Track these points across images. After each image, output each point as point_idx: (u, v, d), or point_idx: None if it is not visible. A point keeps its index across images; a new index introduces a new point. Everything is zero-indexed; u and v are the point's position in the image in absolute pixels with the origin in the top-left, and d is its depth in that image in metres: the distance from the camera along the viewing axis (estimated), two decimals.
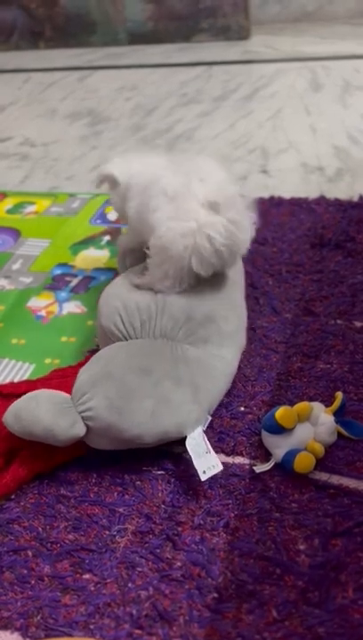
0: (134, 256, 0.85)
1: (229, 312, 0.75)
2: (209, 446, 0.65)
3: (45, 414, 0.63)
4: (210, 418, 0.69)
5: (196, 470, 0.64)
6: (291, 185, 1.23)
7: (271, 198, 1.16)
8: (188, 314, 0.71)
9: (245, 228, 0.68)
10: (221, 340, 0.73)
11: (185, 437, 0.67)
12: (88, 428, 0.65)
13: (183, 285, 0.72)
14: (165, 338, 0.71)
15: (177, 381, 0.67)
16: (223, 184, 0.70)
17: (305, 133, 1.44)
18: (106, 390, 0.65)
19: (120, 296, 0.74)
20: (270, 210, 1.12)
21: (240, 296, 0.81)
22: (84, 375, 0.67)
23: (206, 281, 0.72)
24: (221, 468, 0.64)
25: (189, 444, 0.65)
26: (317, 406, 0.68)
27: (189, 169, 0.73)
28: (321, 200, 1.14)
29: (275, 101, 1.63)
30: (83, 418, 0.64)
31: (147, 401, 0.65)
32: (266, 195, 1.17)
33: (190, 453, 0.65)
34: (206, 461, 0.64)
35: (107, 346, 0.74)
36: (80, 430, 0.64)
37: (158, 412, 0.65)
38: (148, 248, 0.74)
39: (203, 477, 0.63)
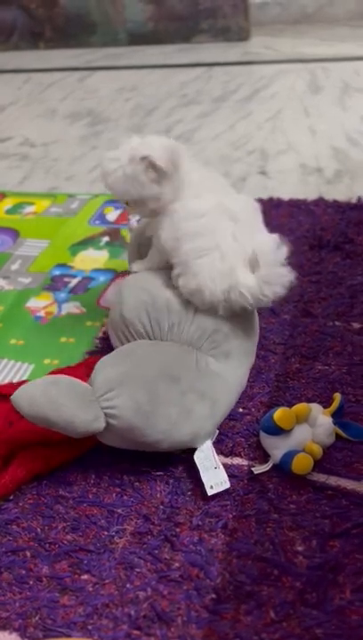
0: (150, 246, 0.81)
1: (250, 328, 0.75)
2: (218, 461, 0.65)
3: (69, 403, 0.61)
4: (217, 432, 0.70)
5: (202, 484, 0.64)
6: (290, 186, 1.23)
7: (270, 199, 1.16)
8: (215, 325, 0.71)
9: (275, 292, 0.69)
10: (240, 355, 0.73)
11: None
12: (107, 425, 0.64)
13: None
14: (190, 346, 0.70)
15: (201, 394, 0.67)
16: (270, 241, 0.69)
17: (304, 135, 1.44)
18: (135, 392, 0.64)
19: (149, 290, 0.72)
20: (269, 211, 1.12)
21: (256, 313, 0.80)
22: (110, 370, 0.66)
23: None
24: (228, 485, 0.64)
25: (197, 457, 0.66)
26: (315, 407, 0.69)
27: (239, 214, 0.71)
28: (320, 202, 1.14)
29: (274, 103, 1.64)
30: (106, 414, 0.63)
31: (172, 409, 0.65)
32: (265, 196, 1.17)
33: (198, 466, 0.65)
34: (215, 476, 0.64)
35: (118, 337, 0.72)
36: (101, 425, 0.63)
37: (180, 422, 0.65)
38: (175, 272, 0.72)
39: (210, 492, 0.63)
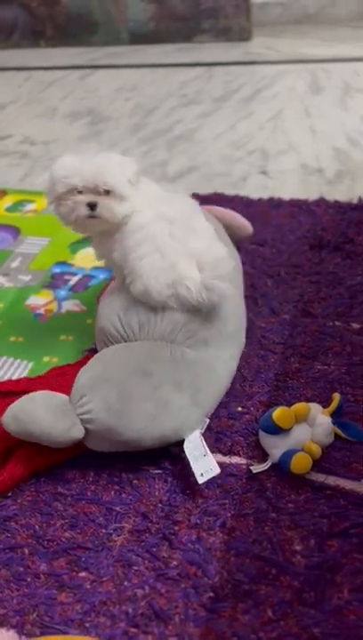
0: None
1: (228, 313, 0.75)
2: (207, 449, 0.65)
3: (44, 416, 0.64)
4: (208, 420, 0.70)
5: (193, 473, 0.64)
6: (291, 186, 1.23)
7: (271, 199, 1.16)
8: (187, 317, 0.72)
9: (212, 299, 0.71)
10: (221, 341, 0.73)
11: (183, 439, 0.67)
12: (87, 430, 0.65)
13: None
14: (163, 340, 0.71)
15: (177, 385, 0.68)
16: (221, 252, 0.73)
17: (305, 135, 1.44)
18: (105, 393, 0.65)
19: (120, 298, 0.74)
20: (270, 211, 1.12)
21: (239, 296, 0.81)
22: (83, 377, 0.68)
23: None
24: (218, 471, 0.64)
25: (186, 448, 0.66)
26: (314, 407, 0.69)
27: (176, 215, 0.74)
28: (321, 202, 1.14)
29: (275, 103, 1.64)
30: (81, 420, 0.65)
31: (146, 404, 0.65)
32: (265, 196, 1.18)
33: (188, 457, 0.65)
34: (204, 464, 0.64)
35: (101, 347, 0.74)
36: (78, 433, 0.65)
37: (158, 416, 0.66)
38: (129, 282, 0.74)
39: (200, 480, 0.63)
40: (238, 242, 0.95)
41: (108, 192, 0.72)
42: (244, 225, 0.92)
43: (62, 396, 0.66)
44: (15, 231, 1.16)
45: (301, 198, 1.16)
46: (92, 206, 0.72)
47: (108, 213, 0.72)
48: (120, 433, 0.65)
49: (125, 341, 0.72)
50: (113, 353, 0.70)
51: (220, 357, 0.73)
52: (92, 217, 0.73)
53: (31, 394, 0.67)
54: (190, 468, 0.64)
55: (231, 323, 0.75)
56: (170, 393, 0.67)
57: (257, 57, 2.00)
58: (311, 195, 1.17)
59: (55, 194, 0.74)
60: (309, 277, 0.95)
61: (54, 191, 0.74)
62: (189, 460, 0.65)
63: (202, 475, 0.64)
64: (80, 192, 0.73)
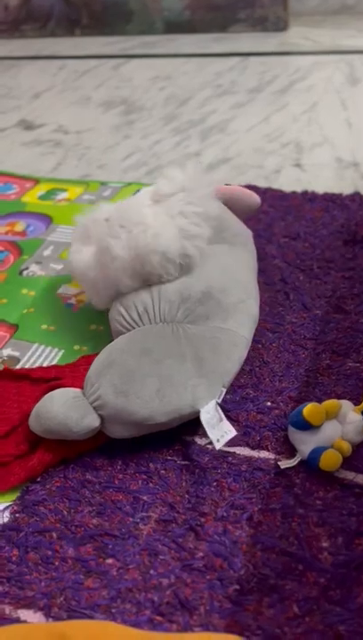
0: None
1: (227, 285, 0.76)
2: (222, 415, 0.66)
3: (58, 409, 0.66)
4: (224, 390, 0.70)
5: (212, 442, 0.65)
6: (325, 180, 1.21)
7: (304, 193, 1.15)
8: (182, 294, 0.74)
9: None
10: (224, 313, 0.75)
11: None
12: (102, 418, 0.67)
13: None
14: (164, 322, 0.73)
15: (179, 357, 0.69)
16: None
17: (341, 128, 1.41)
18: (110, 376, 0.67)
19: (120, 299, 0.77)
20: (303, 205, 1.11)
21: (246, 272, 0.81)
22: (91, 367, 0.70)
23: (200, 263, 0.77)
24: (234, 433, 0.65)
25: (203, 418, 0.66)
26: (345, 404, 0.68)
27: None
28: (355, 196, 1.12)
29: (311, 95, 1.61)
30: (94, 408, 0.67)
31: (149, 380, 0.67)
32: (299, 189, 1.16)
33: (205, 426, 0.66)
34: (219, 430, 0.65)
35: None
36: (93, 421, 0.66)
37: (165, 390, 0.67)
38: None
39: (217, 446, 0.65)
40: (249, 214, 0.94)
41: None
42: (250, 194, 0.91)
43: (76, 390, 0.69)
44: (47, 219, 1.17)
45: (335, 192, 1.14)
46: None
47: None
48: (130, 412, 0.66)
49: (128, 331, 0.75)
50: (116, 341, 0.74)
51: (225, 329, 0.74)
52: None
53: (49, 393, 0.69)
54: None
55: (232, 294, 0.76)
56: (173, 366, 0.68)
57: (294, 47, 1.97)
58: (346, 189, 1.15)
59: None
60: (342, 273, 0.93)
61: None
62: (206, 429, 0.66)
63: (218, 440, 0.65)
64: None
